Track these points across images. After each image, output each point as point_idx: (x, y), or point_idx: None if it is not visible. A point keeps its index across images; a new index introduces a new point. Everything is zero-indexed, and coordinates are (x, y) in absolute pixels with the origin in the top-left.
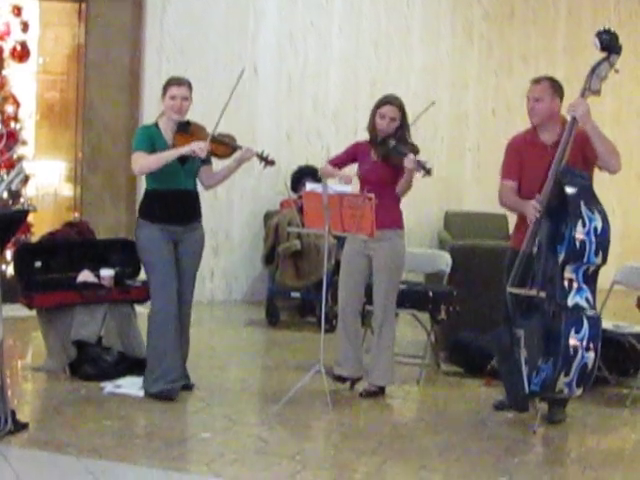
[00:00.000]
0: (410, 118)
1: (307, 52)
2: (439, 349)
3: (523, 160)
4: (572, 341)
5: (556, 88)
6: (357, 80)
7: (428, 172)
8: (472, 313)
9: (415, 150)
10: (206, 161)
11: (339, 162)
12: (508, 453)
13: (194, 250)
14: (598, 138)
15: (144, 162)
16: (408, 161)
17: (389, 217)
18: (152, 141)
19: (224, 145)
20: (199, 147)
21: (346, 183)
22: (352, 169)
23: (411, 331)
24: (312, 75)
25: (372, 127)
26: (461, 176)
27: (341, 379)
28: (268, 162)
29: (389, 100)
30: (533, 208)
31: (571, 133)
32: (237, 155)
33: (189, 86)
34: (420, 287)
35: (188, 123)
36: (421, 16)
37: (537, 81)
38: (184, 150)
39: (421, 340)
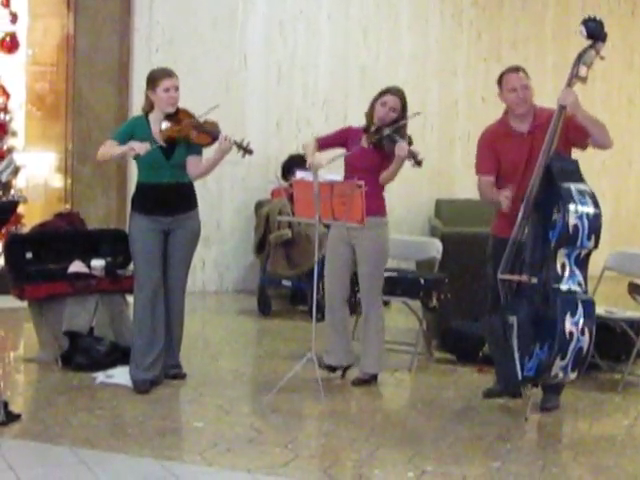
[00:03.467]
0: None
1: (296, 40)
2: (431, 336)
3: (498, 152)
4: (567, 325)
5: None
6: (346, 68)
7: (419, 163)
8: (464, 300)
9: (410, 141)
10: (195, 151)
11: (327, 143)
12: (500, 439)
13: (185, 240)
14: (591, 123)
15: (102, 150)
16: (400, 148)
17: (372, 205)
18: (131, 133)
19: (205, 133)
20: (138, 145)
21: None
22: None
23: (403, 319)
24: (301, 63)
25: (370, 114)
26: (451, 164)
27: (331, 368)
28: (247, 151)
29: (393, 91)
30: (505, 198)
31: (559, 121)
32: (216, 146)
33: (176, 75)
34: (411, 275)
35: (176, 110)
36: (409, 3)
37: (517, 69)
38: (124, 149)
39: (413, 328)
